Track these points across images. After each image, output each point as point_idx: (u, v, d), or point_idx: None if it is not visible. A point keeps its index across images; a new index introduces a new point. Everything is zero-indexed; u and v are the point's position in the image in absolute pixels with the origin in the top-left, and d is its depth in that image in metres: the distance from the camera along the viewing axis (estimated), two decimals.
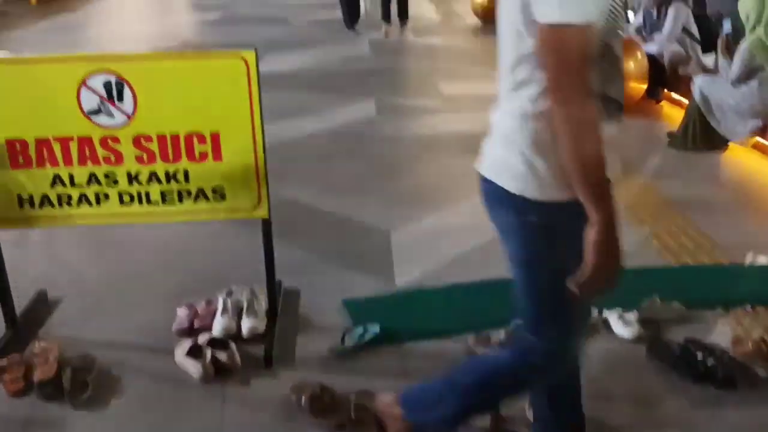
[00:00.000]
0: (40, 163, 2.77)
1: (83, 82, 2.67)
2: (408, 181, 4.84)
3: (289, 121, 6.15)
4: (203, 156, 2.81)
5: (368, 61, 8.94)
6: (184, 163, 2.81)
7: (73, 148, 2.75)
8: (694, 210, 4.24)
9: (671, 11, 6.36)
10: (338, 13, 11.82)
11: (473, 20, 11.59)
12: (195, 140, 2.79)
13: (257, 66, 2.72)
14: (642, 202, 4.34)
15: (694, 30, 6.38)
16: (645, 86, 6.35)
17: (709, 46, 6.34)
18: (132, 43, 10.15)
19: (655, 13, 6.56)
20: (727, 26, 5.56)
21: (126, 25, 12.24)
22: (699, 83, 5.22)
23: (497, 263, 3.65)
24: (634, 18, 7.03)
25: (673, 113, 6.34)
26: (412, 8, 11.92)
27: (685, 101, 6.02)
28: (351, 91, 7.27)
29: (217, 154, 2.81)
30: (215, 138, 2.79)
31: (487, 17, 11.39)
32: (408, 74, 8.23)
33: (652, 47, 6.41)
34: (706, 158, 5.21)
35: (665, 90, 6.62)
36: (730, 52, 5.18)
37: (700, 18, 6.49)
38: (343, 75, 8.10)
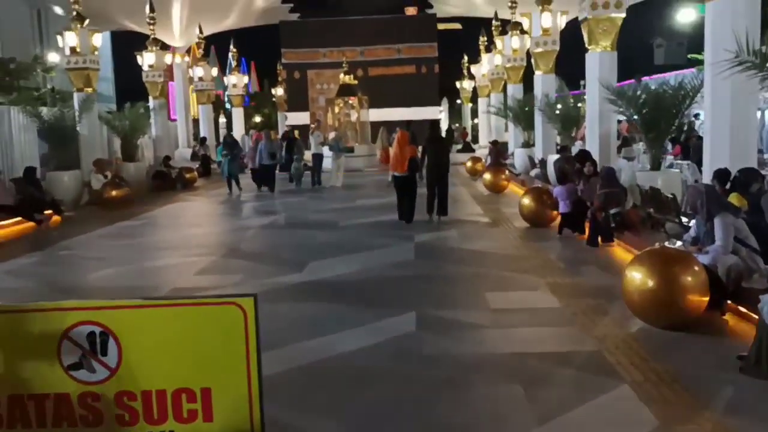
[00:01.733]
0: (11, 424, 2.47)
1: (65, 334, 2.43)
2: (447, 416, 4.34)
3: (322, 338, 5.83)
4: (192, 415, 2.47)
5: (413, 267, 8.76)
6: (170, 423, 2.47)
7: (49, 406, 2.45)
8: None
9: (717, 222, 6.05)
10: (385, 216, 12.05)
11: (521, 223, 11.51)
12: (183, 397, 2.47)
13: (256, 314, 2.45)
14: None
15: (752, 241, 6.00)
16: (707, 299, 5.87)
17: None
18: (179, 251, 10.32)
19: (704, 224, 6.25)
20: None
21: (179, 231, 12.60)
22: (767, 303, 4.73)
23: None
24: (689, 229, 6.72)
25: (740, 328, 5.78)
26: (461, 210, 12.13)
27: (753, 315, 5.49)
28: (392, 301, 7.00)
29: (207, 413, 2.47)
30: (206, 394, 2.46)
31: (536, 220, 11.31)
32: (453, 282, 7.96)
33: (705, 259, 6.02)
34: None
35: (729, 302, 6.12)
36: None
37: (760, 228, 6.13)
38: (385, 283, 7.89)
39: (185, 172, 21.41)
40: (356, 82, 28.46)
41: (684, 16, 29.80)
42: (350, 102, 27.59)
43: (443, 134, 17.06)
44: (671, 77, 16.50)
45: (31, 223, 12.72)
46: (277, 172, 19.55)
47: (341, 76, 27.93)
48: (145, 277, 8.68)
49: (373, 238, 10.85)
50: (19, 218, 12.66)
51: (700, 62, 14.09)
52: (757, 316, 5.12)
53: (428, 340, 5.78)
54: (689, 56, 27.73)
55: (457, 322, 6.25)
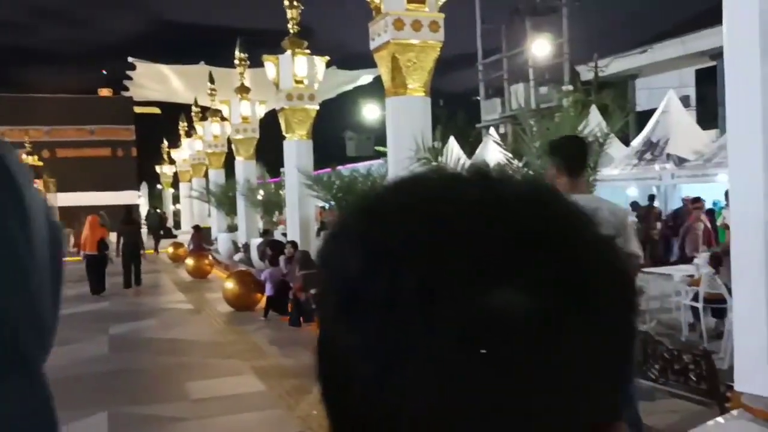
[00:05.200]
0: None
1: None
2: None
3: None
4: None
5: (106, 362, 8.03)
6: None
7: None
8: None
9: None
10: (82, 307, 11.06)
11: (225, 308, 11.31)
12: None
13: None
14: None
15: None
16: None
17: None
18: None
19: None
20: None
21: None
22: None
23: None
24: None
25: None
26: (161, 297, 11.62)
27: None
28: (80, 401, 6.24)
29: None
30: None
31: (240, 304, 11.20)
32: (151, 375, 7.44)
33: None
34: None
35: None
36: None
37: None
38: (75, 380, 7.04)
39: None
40: (41, 163, 26.16)
41: (370, 112, 32.96)
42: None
43: (139, 219, 18.70)
44: (361, 167, 17.93)
45: None
46: None
47: (24, 156, 25.46)
48: None
49: (62, 332, 9.73)
50: None
51: (385, 154, 15.59)
52: None
53: None
54: (376, 148, 30.54)
55: (156, 418, 5.82)
